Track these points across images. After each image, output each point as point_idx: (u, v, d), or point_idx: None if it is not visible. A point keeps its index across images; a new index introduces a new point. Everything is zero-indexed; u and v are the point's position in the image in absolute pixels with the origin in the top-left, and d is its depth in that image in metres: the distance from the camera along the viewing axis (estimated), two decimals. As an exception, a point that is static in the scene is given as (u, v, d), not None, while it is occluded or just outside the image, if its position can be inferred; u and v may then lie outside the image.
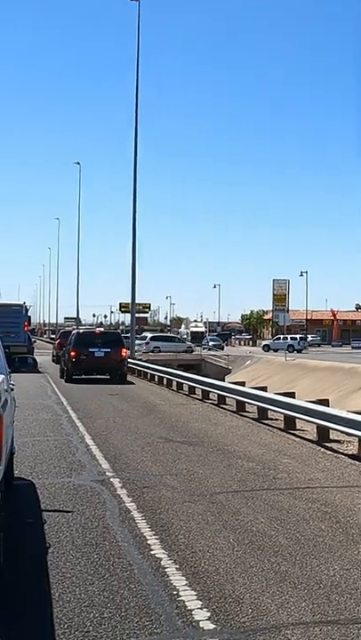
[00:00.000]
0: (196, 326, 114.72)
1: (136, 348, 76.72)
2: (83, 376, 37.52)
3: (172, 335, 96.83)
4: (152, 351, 74.12)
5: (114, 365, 38.11)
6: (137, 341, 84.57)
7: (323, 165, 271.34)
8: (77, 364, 37.63)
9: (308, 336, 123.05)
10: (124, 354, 38.97)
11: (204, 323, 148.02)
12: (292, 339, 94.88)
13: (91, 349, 37.56)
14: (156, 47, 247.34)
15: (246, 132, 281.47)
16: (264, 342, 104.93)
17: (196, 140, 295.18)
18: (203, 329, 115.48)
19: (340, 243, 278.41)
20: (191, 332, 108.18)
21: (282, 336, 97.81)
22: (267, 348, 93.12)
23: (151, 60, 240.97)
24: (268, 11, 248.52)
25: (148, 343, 79.56)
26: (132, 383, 38.33)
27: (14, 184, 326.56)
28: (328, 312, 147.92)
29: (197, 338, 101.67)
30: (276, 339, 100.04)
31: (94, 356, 37.52)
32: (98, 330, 50.50)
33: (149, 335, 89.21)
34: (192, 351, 79.98)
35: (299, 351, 73.95)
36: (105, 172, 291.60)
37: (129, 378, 40.92)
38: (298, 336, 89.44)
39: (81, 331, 45.18)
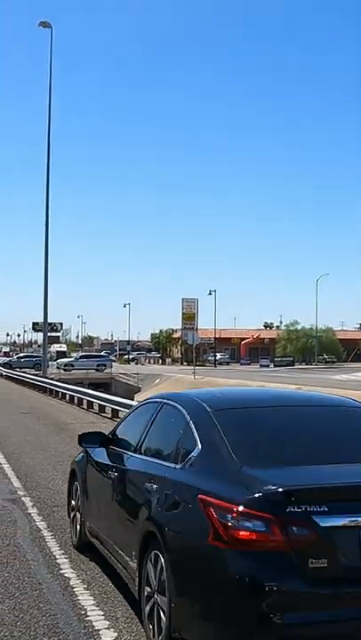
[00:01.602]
0: (60, 347, 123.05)
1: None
2: None
3: (98, 354, 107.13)
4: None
5: None
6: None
7: (229, 187, 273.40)
8: None
9: (218, 354, 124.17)
10: None
11: (115, 341, 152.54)
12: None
13: None
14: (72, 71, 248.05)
15: (149, 152, 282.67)
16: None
17: (105, 161, 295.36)
18: (65, 349, 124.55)
19: (247, 262, 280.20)
20: (56, 351, 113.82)
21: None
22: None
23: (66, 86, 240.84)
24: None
25: (77, 359, 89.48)
26: (44, 402, 38.56)
27: None
28: (236, 330, 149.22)
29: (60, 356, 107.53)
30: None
31: None
32: None
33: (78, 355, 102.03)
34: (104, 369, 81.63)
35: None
36: (18, 192, 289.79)
37: (41, 396, 41.40)
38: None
39: None
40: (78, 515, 9.84)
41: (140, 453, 7.98)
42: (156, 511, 6.69)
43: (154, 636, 6.44)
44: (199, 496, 5.96)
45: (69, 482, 10.68)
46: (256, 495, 5.63)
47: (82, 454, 10.15)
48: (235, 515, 5.59)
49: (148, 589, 6.66)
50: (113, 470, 8.46)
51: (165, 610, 6.19)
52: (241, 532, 5.54)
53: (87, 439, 9.44)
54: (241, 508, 5.58)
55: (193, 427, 6.96)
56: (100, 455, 9.12)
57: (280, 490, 5.57)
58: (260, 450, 6.50)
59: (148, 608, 6.66)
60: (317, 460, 6.41)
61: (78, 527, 9.76)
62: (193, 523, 6.00)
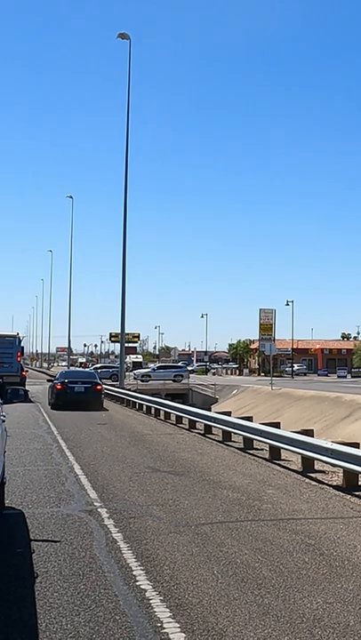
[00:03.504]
0: (136, 357, 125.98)
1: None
2: None
3: (175, 365, 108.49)
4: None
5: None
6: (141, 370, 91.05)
7: (309, 195, 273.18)
8: None
9: (295, 365, 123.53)
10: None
11: (192, 352, 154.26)
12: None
13: None
14: (150, 86, 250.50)
15: (229, 166, 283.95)
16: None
17: (182, 175, 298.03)
18: (141, 359, 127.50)
19: (325, 272, 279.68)
20: (132, 362, 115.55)
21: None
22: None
23: (144, 98, 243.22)
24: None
25: (154, 370, 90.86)
26: (120, 413, 38.76)
27: (7, 217, 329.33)
28: (314, 341, 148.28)
29: (136, 367, 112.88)
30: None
31: None
32: None
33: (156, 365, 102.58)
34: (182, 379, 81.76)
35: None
36: (97, 206, 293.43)
37: (118, 407, 41.95)
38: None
39: None
40: (49, 398, 42.71)
41: (54, 380, 43.87)
42: (50, 389, 43.54)
43: (49, 405, 41.52)
44: (55, 382, 42.02)
45: (49, 389, 44.43)
46: (60, 380, 41.34)
47: (49, 383, 46.49)
48: (57, 384, 40.76)
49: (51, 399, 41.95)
50: (52, 386, 42.25)
51: (51, 400, 41.36)
52: (57, 386, 40.56)
53: (50, 379, 51.40)
54: (58, 383, 40.81)
55: (58, 374, 45.33)
56: (52, 384, 43.27)
57: (64, 380, 41.13)
58: (66, 377, 42.31)
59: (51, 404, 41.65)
60: (75, 378, 42.15)
61: (48, 401, 42.50)
62: (54, 387, 41.33)
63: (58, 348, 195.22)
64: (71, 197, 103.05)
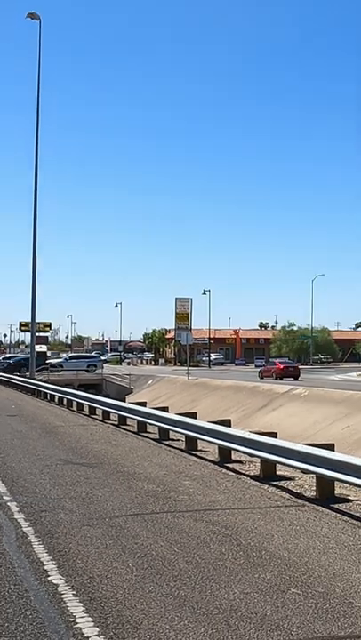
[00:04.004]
0: (40, 348, 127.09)
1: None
2: None
3: (88, 354, 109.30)
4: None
5: None
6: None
7: (223, 186, 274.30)
8: None
9: (212, 354, 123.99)
10: None
11: (106, 341, 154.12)
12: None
13: None
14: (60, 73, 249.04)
15: (140, 160, 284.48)
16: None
17: (94, 163, 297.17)
18: (45, 349, 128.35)
19: (241, 262, 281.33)
20: (37, 352, 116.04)
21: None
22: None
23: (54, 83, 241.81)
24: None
25: (66, 360, 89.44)
26: (31, 404, 38.39)
27: None
28: (231, 331, 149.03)
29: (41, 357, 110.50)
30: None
31: None
32: None
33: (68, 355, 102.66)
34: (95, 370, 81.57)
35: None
36: (6, 195, 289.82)
37: (28, 398, 41.35)
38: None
39: None
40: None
41: None
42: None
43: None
44: None
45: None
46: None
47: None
48: None
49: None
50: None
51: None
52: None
53: None
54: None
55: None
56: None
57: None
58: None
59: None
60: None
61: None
62: None
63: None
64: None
